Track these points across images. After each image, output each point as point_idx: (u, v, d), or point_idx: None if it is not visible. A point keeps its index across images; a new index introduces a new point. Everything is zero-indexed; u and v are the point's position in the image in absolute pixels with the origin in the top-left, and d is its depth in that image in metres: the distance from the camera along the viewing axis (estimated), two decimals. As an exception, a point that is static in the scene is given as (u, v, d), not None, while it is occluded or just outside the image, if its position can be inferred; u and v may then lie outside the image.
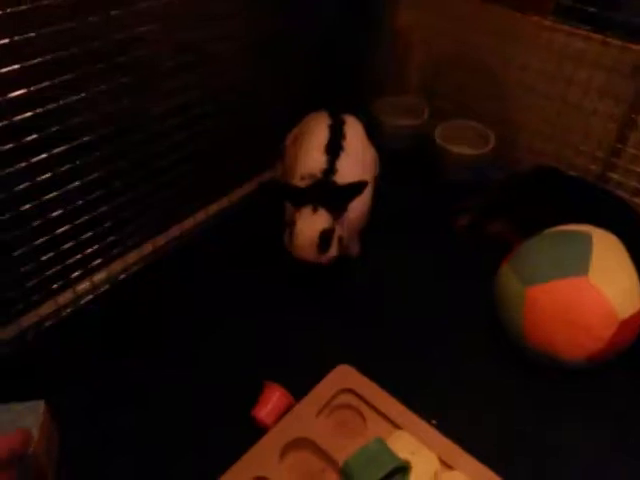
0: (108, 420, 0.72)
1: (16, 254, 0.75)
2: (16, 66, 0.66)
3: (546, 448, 0.72)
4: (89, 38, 0.71)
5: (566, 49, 1.01)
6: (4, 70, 0.65)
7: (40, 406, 0.64)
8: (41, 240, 0.77)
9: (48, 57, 0.68)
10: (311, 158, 0.90)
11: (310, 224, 0.82)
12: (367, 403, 0.73)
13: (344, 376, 0.76)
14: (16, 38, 0.64)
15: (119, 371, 0.78)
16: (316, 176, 0.87)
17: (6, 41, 0.64)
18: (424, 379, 0.79)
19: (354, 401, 0.74)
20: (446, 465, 0.67)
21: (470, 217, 1.04)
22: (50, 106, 0.71)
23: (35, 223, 0.76)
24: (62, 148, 0.74)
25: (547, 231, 0.81)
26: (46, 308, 0.83)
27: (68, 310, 0.86)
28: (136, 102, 0.81)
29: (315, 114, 0.99)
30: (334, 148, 0.91)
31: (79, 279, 0.87)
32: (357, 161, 0.93)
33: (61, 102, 0.71)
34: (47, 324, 0.84)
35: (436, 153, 1.14)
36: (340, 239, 0.85)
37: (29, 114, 0.69)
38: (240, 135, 0.99)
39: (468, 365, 0.81)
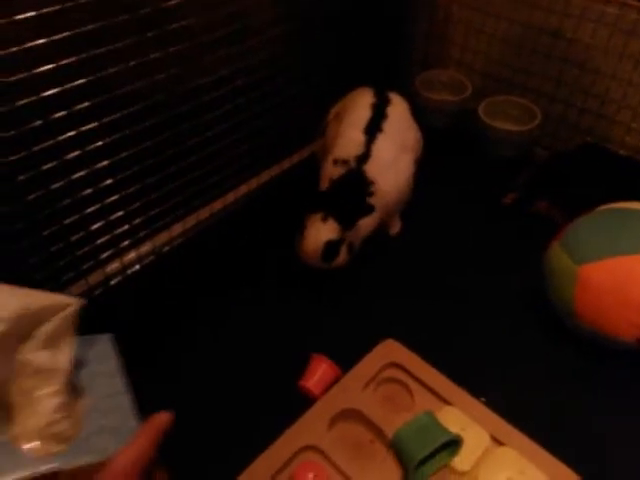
0: (156, 393, 0.73)
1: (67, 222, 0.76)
2: (67, 33, 0.66)
3: (593, 428, 0.71)
4: (140, 5, 0.71)
5: (620, 21, 0.97)
6: (55, 37, 0.65)
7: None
8: (91, 209, 0.79)
9: (98, 24, 0.68)
10: (348, 138, 0.89)
11: (317, 233, 0.80)
12: (414, 377, 0.73)
13: (390, 350, 0.76)
14: (68, 4, 0.64)
15: (164, 345, 0.79)
16: (349, 164, 0.86)
17: (57, 7, 0.64)
18: (471, 356, 0.78)
19: (401, 375, 0.74)
20: (497, 441, 0.66)
21: (516, 194, 1.03)
22: (99, 74, 0.71)
23: (86, 192, 0.77)
24: (111, 117, 0.74)
25: (599, 209, 0.79)
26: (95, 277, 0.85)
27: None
28: (185, 72, 0.80)
29: (360, 90, 0.96)
30: (373, 129, 0.89)
31: (127, 249, 0.88)
32: (395, 143, 0.90)
33: (111, 70, 0.72)
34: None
35: (480, 129, 1.11)
36: (350, 245, 0.84)
37: (82, 81, 0.69)
38: (283, 109, 0.98)
39: (516, 343, 0.80)
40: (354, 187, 0.86)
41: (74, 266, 0.81)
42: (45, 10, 0.62)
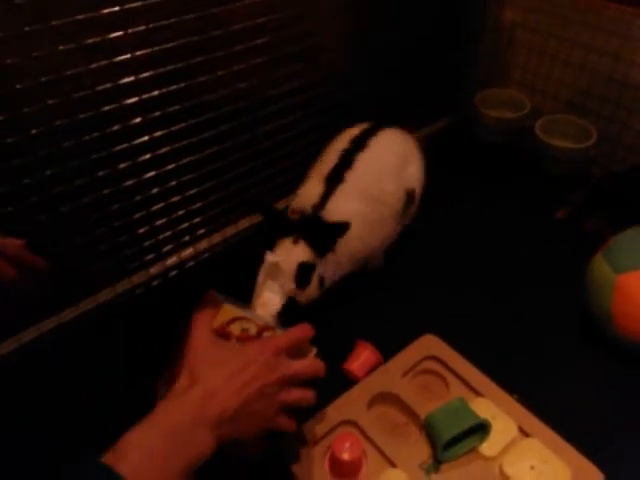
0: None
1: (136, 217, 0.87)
2: (156, 48, 0.77)
3: (625, 434, 0.73)
4: (227, 23, 0.82)
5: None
6: (148, 51, 0.76)
7: None
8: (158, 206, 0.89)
9: (194, 38, 0.79)
10: (307, 189, 0.85)
11: (287, 254, 0.77)
12: (451, 371, 0.78)
13: (430, 344, 0.81)
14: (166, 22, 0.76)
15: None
16: (306, 211, 0.82)
17: (150, 26, 0.75)
18: (508, 356, 0.82)
19: (438, 368, 0.79)
20: (524, 432, 0.70)
21: (569, 210, 1.06)
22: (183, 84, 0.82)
23: (154, 191, 0.87)
24: (184, 124, 0.85)
25: (644, 224, 0.82)
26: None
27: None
28: (260, 83, 0.90)
29: (351, 128, 0.92)
30: (335, 178, 0.83)
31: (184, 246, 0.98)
32: (358, 195, 0.84)
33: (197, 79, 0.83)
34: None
35: (536, 146, 1.15)
36: (321, 279, 0.80)
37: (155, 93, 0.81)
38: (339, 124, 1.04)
39: (553, 347, 0.84)
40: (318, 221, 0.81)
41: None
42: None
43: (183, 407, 0.53)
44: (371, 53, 1.08)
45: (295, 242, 0.78)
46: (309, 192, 0.83)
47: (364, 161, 0.85)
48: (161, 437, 0.50)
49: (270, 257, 0.76)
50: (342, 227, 0.78)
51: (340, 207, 0.82)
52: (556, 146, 1.12)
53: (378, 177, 0.86)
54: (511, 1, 1.21)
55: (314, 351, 0.65)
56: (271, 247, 0.79)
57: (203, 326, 0.60)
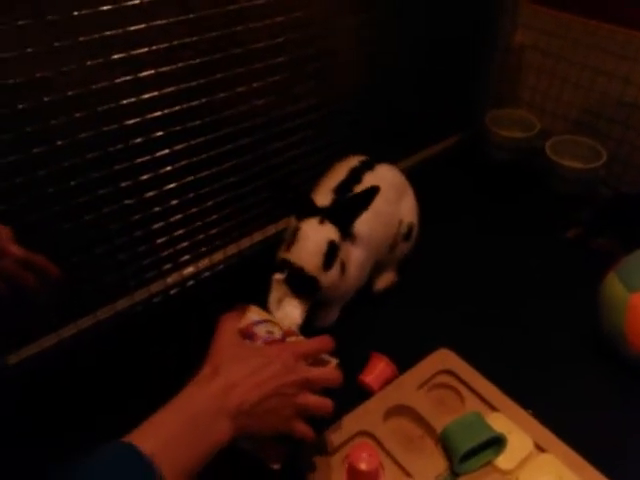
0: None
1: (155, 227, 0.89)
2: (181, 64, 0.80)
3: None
4: (247, 42, 0.85)
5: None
6: (172, 67, 0.79)
7: None
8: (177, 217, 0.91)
9: (217, 55, 0.82)
10: (318, 198, 0.84)
11: (317, 231, 0.76)
12: (466, 385, 0.79)
13: (445, 358, 0.82)
14: (189, 40, 0.79)
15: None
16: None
17: (173, 43, 0.78)
18: (522, 372, 0.82)
19: (453, 382, 0.80)
20: (540, 448, 0.71)
21: (579, 230, 1.07)
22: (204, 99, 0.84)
23: (173, 202, 0.89)
24: (203, 139, 0.87)
25: (657, 243, 0.83)
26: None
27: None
28: (277, 100, 0.93)
29: (345, 158, 0.93)
30: (343, 191, 0.84)
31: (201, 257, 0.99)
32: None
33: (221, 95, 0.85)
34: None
35: (546, 166, 1.17)
36: (343, 264, 0.80)
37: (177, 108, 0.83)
38: (354, 142, 1.05)
39: (567, 364, 0.84)
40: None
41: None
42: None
43: (205, 395, 0.55)
44: (385, 72, 1.10)
45: (321, 222, 0.77)
46: (319, 201, 0.83)
47: (371, 179, 0.87)
48: (184, 421, 0.53)
49: (278, 276, 0.77)
50: (371, 192, 0.77)
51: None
52: (566, 166, 1.14)
53: (380, 200, 0.83)
54: (522, 24, 1.24)
55: (334, 362, 0.66)
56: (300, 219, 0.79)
57: (229, 325, 0.63)
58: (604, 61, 1.12)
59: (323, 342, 0.64)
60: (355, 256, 0.83)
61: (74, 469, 0.46)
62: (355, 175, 0.87)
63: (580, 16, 1.13)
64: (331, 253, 0.76)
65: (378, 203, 0.81)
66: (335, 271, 0.78)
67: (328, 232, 0.77)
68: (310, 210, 0.79)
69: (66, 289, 0.59)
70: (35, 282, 0.55)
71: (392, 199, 0.91)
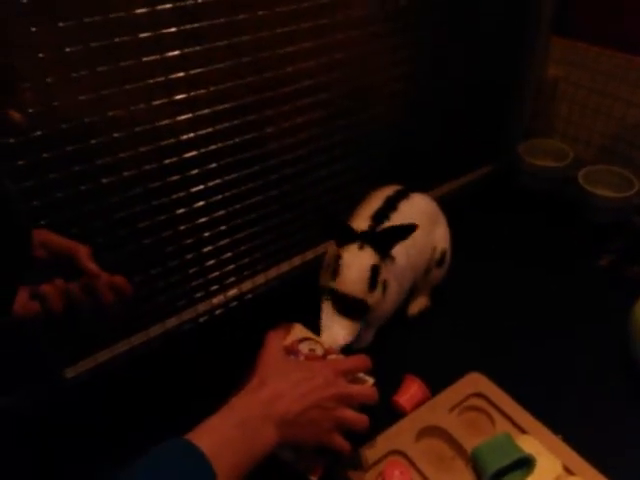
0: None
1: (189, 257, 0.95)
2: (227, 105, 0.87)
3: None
4: (293, 81, 0.92)
5: None
6: (227, 106, 0.86)
7: None
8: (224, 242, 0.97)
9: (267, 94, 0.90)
10: (356, 224, 0.87)
11: (359, 257, 0.81)
12: (496, 408, 0.82)
13: (476, 381, 0.85)
14: (241, 81, 0.86)
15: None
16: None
17: (229, 84, 0.85)
18: (553, 397, 0.85)
19: (484, 405, 0.83)
20: (568, 471, 0.73)
21: (611, 259, 1.09)
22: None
23: (222, 228, 0.96)
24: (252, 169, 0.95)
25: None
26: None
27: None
28: (311, 136, 0.99)
29: (381, 187, 0.98)
30: (380, 217, 0.88)
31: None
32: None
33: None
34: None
35: (579, 195, 1.19)
36: (385, 283, 0.84)
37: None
38: (390, 171, 1.09)
39: (598, 391, 0.86)
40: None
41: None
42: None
43: (254, 402, 0.61)
44: (422, 105, 1.16)
45: (361, 248, 0.81)
46: (357, 227, 0.87)
47: (405, 209, 0.92)
48: (235, 425, 0.58)
49: (327, 301, 0.83)
50: (408, 228, 0.81)
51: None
52: (599, 195, 1.16)
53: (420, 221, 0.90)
54: (554, 57, 1.28)
55: (371, 381, 0.70)
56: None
57: (275, 342, 0.69)
58: (634, 93, 1.15)
59: (361, 361, 0.69)
60: (393, 280, 0.88)
61: (138, 466, 0.52)
62: (391, 203, 0.92)
63: (609, 49, 1.17)
64: (374, 275, 0.81)
65: (422, 225, 0.87)
66: (379, 291, 0.83)
67: (369, 257, 0.81)
68: (349, 236, 0.83)
69: (128, 307, 0.66)
70: (115, 299, 0.62)
71: (426, 226, 0.95)
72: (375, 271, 0.81)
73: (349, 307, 0.82)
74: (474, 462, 0.74)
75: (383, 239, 0.83)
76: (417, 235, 0.89)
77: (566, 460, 0.74)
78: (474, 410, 0.83)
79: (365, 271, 0.80)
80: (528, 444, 0.75)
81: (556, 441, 0.76)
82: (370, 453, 0.76)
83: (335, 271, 0.82)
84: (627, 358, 0.88)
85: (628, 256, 1.07)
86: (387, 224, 0.87)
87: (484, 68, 1.22)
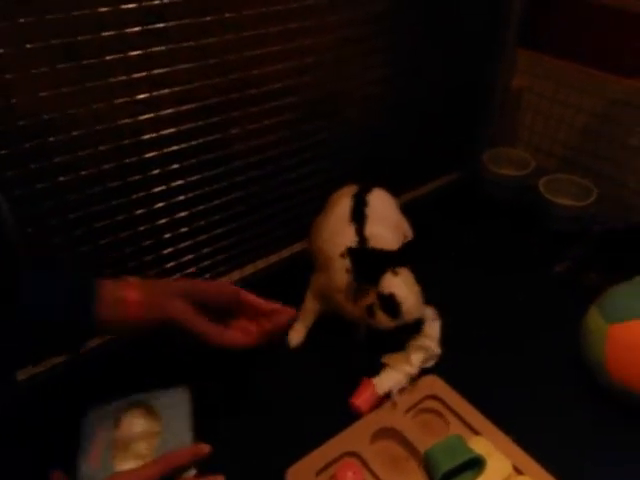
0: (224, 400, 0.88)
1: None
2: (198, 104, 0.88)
3: (615, 474, 0.77)
4: (261, 84, 0.93)
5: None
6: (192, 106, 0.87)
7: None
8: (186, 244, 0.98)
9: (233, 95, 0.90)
10: (341, 234, 0.88)
11: (406, 286, 0.80)
12: (451, 410, 0.83)
13: (432, 384, 0.87)
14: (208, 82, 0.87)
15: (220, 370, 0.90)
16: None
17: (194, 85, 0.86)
18: (507, 400, 0.86)
19: (439, 407, 0.84)
20: (518, 471, 0.75)
21: (568, 265, 1.12)
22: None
23: (183, 229, 0.96)
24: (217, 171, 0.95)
25: (636, 278, 0.88)
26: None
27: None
28: (279, 139, 1.00)
29: (340, 190, 1.01)
30: (359, 217, 0.89)
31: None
32: (384, 225, 0.90)
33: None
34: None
35: (540, 203, 1.22)
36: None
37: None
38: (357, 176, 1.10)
39: (550, 392, 0.88)
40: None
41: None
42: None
43: None
44: (390, 112, 1.18)
45: (395, 273, 0.79)
46: (344, 236, 0.87)
47: (374, 200, 0.94)
48: None
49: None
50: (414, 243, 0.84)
51: (378, 233, 0.88)
52: (558, 203, 1.19)
53: (390, 211, 0.97)
54: (520, 68, 1.31)
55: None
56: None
57: None
58: (595, 105, 1.19)
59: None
60: None
61: None
62: (360, 199, 0.94)
63: (572, 62, 1.21)
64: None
65: (390, 215, 0.94)
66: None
67: (408, 277, 0.81)
68: (378, 268, 0.80)
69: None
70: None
71: (399, 215, 1.00)
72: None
73: (409, 328, 0.83)
74: (426, 463, 0.75)
75: (407, 256, 0.82)
76: (397, 218, 0.97)
77: (516, 460, 0.75)
78: (429, 412, 0.84)
79: (418, 291, 0.81)
80: (479, 445, 0.76)
81: (507, 442, 0.78)
82: (324, 455, 0.76)
83: (392, 310, 0.79)
84: (579, 363, 0.90)
85: (584, 263, 1.10)
86: (368, 222, 0.89)
87: (453, 77, 1.25)
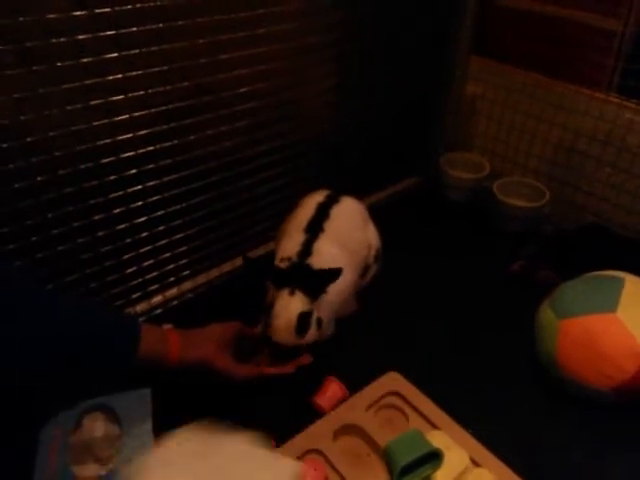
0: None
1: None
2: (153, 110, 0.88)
3: (570, 463, 0.80)
4: (217, 90, 0.94)
5: (617, 119, 1.13)
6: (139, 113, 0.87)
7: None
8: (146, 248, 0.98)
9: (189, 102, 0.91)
10: (290, 239, 0.91)
11: (287, 307, 0.81)
12: (411, 406, 0.85)
13: (393, 381, 0.88)
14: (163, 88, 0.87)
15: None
16: (292, 259, 0.88)
17: (148, 91, 0.86)
18: (464, 393, 0.89)
19: (399, 403, 0.86)
20: (475, 463, 0.77)
21: (522, 264, 1.16)
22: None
23: (143, 234, 0.96)
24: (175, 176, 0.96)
25: (585, 274, 0.92)
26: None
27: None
28: (243, 143, 1.02)
29: (311, 194, 1.00)
30: (314, 228, 0.91)
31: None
32: (337, 244, 0.91)
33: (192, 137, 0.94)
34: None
35: (494, 205, 1.27)
36: (319, 321, 0.86)
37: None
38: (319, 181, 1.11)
39: (506, 386, 0.91)
40: (306, 267, 0.87)
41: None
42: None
43: None
44: (350, 119, 1.20)
45: (291, 293, 0.82)
46: (291, 243, 0.90)
47: (338, 214, 0.95)
48: None
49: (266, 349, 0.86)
50: (335, 273, 0.83)
51: (325, 250, 0.89)
52: (511, 204, 1.24)
53: (352, 228, 0.97)
54: (472, 76, 1.36)
55: None
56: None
57: None
58: (544, 110, 1.24)
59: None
60: (335, 292, 0.88)
61: None
62: (323, 210, 0.94)
63: (521, 69, 1.26)
64: (303, 322, 0.82)
65: (351, 231, 0.95)
66: (312, 331, 0.85)
67: (298, 304, 0.82)
68: (280, 280, 0.84)
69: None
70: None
71: (360, 226, 1.00)
72: (304, 318, 0.82)
73: (283, 354, 0.85)
74: (386, 457, 0.76)
75: (314, 283, 0.84)
76: (356, 235, 0.97)
77: (473, 453, 0.78)
78: (390, 408, 0.86)
79: (292, 320, 0.81)
80: (438, 438, 0.78)
81: (464, 435, 0.80)
82: (287, 454, 0.77)
83: (268, 319, 0.83)
84: (533, 356, 0.93)
85: (537, 262, 1.14)
86: (321, 236, 0.90)
87: (407, 84, 1.29)
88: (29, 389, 0.78)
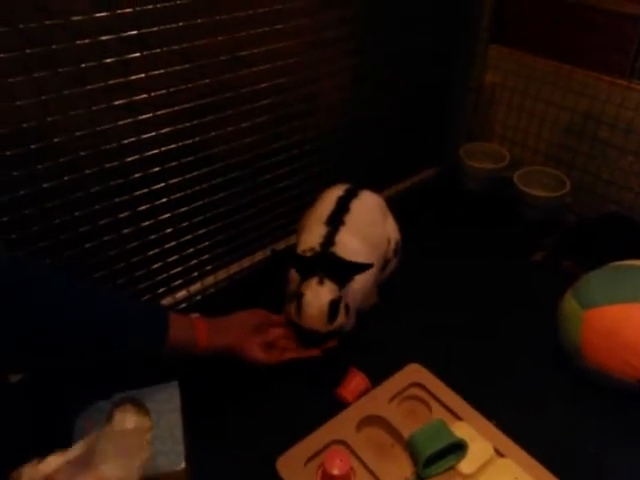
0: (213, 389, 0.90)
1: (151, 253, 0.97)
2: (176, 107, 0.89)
3: (592, 455, 0.80)
4: (237, 87, 0.94)
5: (640, 106, 1.11)
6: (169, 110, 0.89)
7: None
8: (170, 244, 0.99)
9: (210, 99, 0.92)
10: (311, 232, 0.93)
11: (318, 295, 0.83)
12: (434, 397, 0.86)
13: (415, 372, 0.89)
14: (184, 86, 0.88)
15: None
16: (315, 249, 0.89)
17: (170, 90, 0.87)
18: (487, 384, 0.89)
19: (423, 394, 0.87)
20: (499, 453, 0.77)
21: (544, 254, 1.15)
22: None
23: (168, 230, 0.97)
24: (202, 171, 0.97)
25: (609, 264, 0.92)
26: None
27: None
28: (263, 138, 1.02)
29: (331, 188, 1.01)
30: (335, 221, 0.93)
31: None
32: (358, 236, 0.92)
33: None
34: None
35: (515, 195, 1.26)
36: (347, 307, 0.88)
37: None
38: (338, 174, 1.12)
39: (530, 377, 0.91)
40: (332, 255, 0.89)
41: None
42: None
43: None
44: (368, 111, 1.20)
45: (320, 282, 0.84)
46: (313, 235, 0.91)
47: (357, 208, 0.96)
48: None
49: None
50: (365, 266, 0.85)
51: (347, 242, 0.91)
52: (532, 195, 1.23)
53: (371, 223, 0.98)
54: (491, 65, 1.35)
55: None
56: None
57: None
58: (565, 98, 1.23)
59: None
60: (360, 283, 0.90)
61: None
62: (343, 204, 0.95)
63: (541, 57, 1.24)
64: (334, 309, 0.85)
65: (370, 225, 0.95)
66: (341, 317, 0.87)
67: (328, 293, 0.84)
68: (308, 269, 0.86)
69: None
70: None
71: (380, 220, 1.01)
72: (335, 305, 0.85)
73: (313, 338, 0.87)
74: (410, 447, 0.77)
75: (341, 270, 0.86)
76: (375, 230, 0.98)
77: (497, 443, 0.78)
78: (413, 399, 0.87)
79: (324, 308, 0.84)
80: (461, 430, 0.79)
81: (489, 426, 0.81)
82: (312, 444, 0.78)
83: (298, 307, 0.85)
84: (556, 347, 0.93)
85: (559, 251, 1.14)
86: (343, 229, 0.91)
87: (427, 75, 1.28)
88: (68, 376, 0.84)
